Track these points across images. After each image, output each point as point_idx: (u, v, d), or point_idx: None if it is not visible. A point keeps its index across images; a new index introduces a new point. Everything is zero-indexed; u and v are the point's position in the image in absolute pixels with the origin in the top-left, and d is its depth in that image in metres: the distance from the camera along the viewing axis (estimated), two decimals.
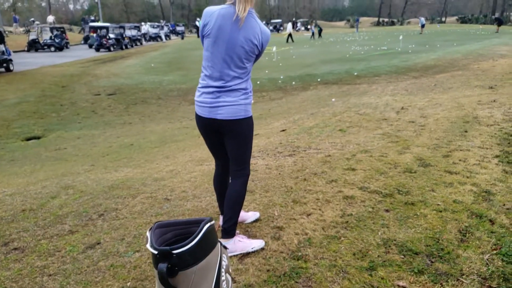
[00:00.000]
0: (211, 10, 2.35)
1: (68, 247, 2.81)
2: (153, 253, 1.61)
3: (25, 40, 28.69)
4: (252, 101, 2.66)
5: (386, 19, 78.87)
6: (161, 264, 1.57)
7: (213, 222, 1.77)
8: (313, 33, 41.64)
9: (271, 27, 66.10)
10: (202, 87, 2.45)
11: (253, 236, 2.79)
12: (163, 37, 44.09)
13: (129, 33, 34.15)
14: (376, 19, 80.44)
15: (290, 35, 36.93)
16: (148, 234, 1.69)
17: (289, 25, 38.82)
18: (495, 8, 71.24)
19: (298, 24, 36.82)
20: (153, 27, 46.26)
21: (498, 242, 2.51)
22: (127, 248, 2.75)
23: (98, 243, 2.86)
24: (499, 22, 37.84)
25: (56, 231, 3.10)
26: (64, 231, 3.09)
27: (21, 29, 37.42)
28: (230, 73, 2.37)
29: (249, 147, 2.59)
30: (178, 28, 53.75)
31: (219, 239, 2.58)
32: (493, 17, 54.58)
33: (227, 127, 2.45)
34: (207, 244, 1.69)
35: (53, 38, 29.58)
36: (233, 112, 2.39)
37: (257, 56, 2.47)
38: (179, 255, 1.57)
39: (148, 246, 1.63)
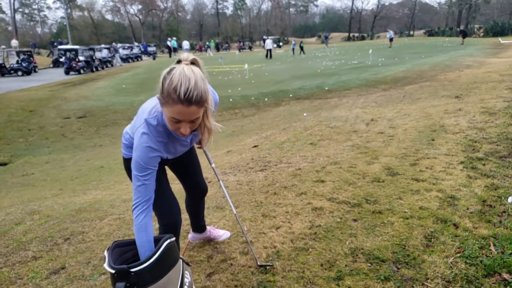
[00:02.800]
0: None
1: (31, 274, 2.72)
2: (111, 273, 1.57)
3: None
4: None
5: (356, 34, 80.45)
6: (119, 283, 1.53)
7: (173, 239, 1.74)
8: (293, 49, 41.72)
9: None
10: None
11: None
12: (118, 61, 38.52)
13: (99, 55, 33.63)
14: (347, 34, 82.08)
15: (269, 51, 36.36)
16: (105, 253, 1.66)
17: (269, 41, 37.78)
18: (460, 21, 73.73)
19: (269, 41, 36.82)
20: (124, 48, 44.97)
21: (461, 245, 2.55)
22: (92, 271, 2.68)
23: (62, 268, 2.77)
24: (464, 34, 38.89)
25: (19, 258, 3.00)
26: (27, 257, 2.99)
27: None
28: None
29: None
30: (150, 49, 53.38)
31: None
32: (458, 29, 56.07)
33: None
34: (167, 261, 1.66)
35: (20, 62, 28.66)
36: None
37: None
38: (137, 273, 1.54)
39: (105, 265, 1.59)
